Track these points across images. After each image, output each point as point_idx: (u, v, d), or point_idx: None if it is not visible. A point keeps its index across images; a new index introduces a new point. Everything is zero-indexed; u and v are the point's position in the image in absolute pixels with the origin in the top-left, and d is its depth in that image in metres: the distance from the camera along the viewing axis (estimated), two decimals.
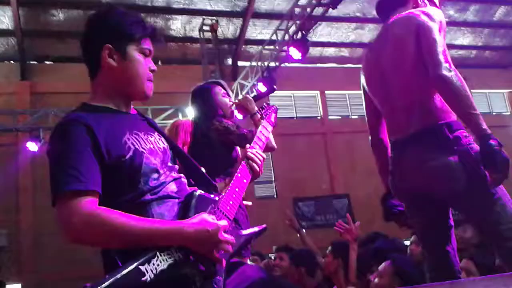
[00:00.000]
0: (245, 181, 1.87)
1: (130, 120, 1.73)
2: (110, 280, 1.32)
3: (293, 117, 13.92)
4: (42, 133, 9.83)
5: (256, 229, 1.84)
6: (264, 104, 2.50)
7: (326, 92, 14.55)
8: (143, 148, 1.63)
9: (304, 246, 4.82)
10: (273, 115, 2.40)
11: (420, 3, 2.52)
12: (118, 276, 1.34)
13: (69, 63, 12.09)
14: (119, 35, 1.71)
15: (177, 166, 1.77)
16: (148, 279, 1.37)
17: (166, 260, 1.44)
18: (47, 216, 10.46)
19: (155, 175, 1.62)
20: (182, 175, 1.76)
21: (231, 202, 1.75)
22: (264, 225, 1.87)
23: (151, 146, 1.68)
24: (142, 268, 1.38)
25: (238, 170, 1.88)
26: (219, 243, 1.54)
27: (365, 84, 2.66)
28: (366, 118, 2.73)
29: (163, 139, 1.79)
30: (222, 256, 1.58)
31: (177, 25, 12.45)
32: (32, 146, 9.82)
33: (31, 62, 12.21)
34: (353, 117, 14.75)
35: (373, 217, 12.10)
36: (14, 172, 11.02)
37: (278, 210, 9.85)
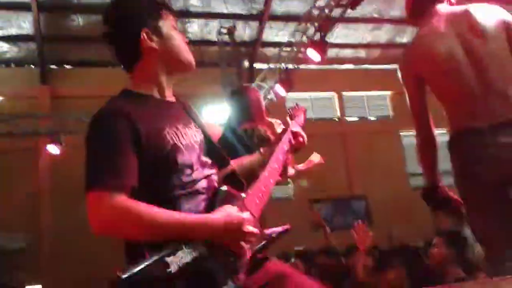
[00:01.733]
0: (271, 181, 1.90)
1: (171, 110, 1.76)
2: (137, 269, 1.36)
3: (310, 119, 13.90)
4: (62, 137, 9.97)
5: (279, 228, 1.86)
6: (295, 104, 2.54)
7: (343, 93, 14.49)
8: (181, 143, 1.66)
9: (327, 244, 4.84)
10: (302, 115, 2.45)
11: None
12: (143, 265, 1.38)
13: (89, 68, 12.28)
14: (151, 17, 1.75)
15: (209, 161, 1.79)
16: (173, 270, 1.41)
17: (191, 253, 1.47)
18: (65, 219, 10.61)
19: (189, 171, 1.65)
20: (213, 171, 1.78)
21: (257, 201, 1.78)
22: (287, 226, 1.88)
23: (189, 141, 1.70)
24: (167, 259, 1.41)
25: (265, 169, 1.91)
26: (244, 235, 1.58)
27: (426, 74, 2.61)
28: (416, 112, 2.70)
29: (199, 130, 1.81)
30: (247, 250, 1.60)
31: (194, 28, 12.53)
32: (53, 150, 9.97)
33: (51, 66, 12.39)
34: (371, 118, 14.67)
35: (390, 218, 12.04)
36: (34, 175, 11.19)
37: (295, 211, 9.83)
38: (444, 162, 2.60)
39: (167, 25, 1.77)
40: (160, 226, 1.48)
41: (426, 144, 2.65)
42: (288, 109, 2.52)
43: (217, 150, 1.90)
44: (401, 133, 14.57)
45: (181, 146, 1.65)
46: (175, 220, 1.51)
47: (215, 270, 1.52)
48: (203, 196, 1.66)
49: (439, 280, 3.58)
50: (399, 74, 2.79)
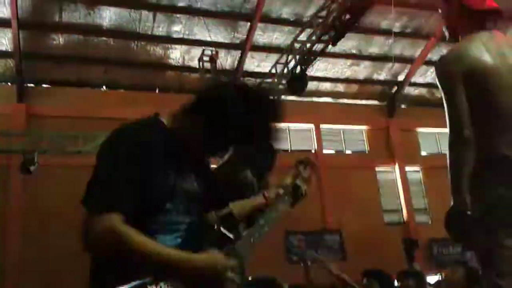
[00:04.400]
0: (266, 228, 1.98)
1: (183, 155, 1.76)
2: None
3: (287, 150, 13.95)
4: (36, 156, 9.78)
5: (267, 276, 1.90)
6: (305, 158, 2.58)
7: (321, 125, 14.64)
8: (178, 185, 1.68)
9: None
10: (309, 170, 2.51)
11: None
12: (129, 287, 1.40)
13: (66, 87, 12.17)
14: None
15: (199, 210, 1.80)
16: None
17: (173, 286, 1.50)
18: (33, 243, 10.35)
19: (174, 213, 1.68)
20: (195, 219, 1.78)
21: (247, 245, 1.83)
22: (273, 277, 1.92)
23: (186, 187, 1.72)
24: (148, 287, 1.44)
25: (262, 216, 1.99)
26: (223, 282, 1.61)
27: (488, 86, 2.36)
28: (461, 109, 2.31)
29: (199, 179, 1.82)
30: None
31: (176, 54, 12.59)
32: (26, 169, 9.76)
33: (29, 84, 12.26)
34: (347, 152, 14.81)
35: (364, 253, 12.04)
36: (4, 194, 10.92)
37: (269, 242, 9.76)
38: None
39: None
40: (147, 254, 1.50)
41: (468, 147, 2.26)
42: (297, 161, 2.57)
43: (217, 192, 1.95)
44: (376, 169, 14.74)
45: (177, 191, 1.68)
46: (161, 251, 1.53)
47: None
48: (180, 239, 1.68)
49: None
50: (441, 71, 2.45)
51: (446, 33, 2.65)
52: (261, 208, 2.13)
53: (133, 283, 1.42)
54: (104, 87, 12.80)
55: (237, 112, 1.66)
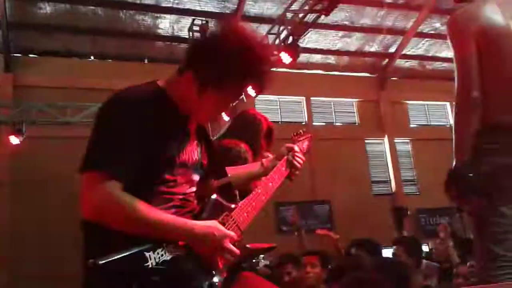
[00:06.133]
0: (263, 198, 1.94)
1: (184, 125, 1.75)
2: (114, 257, 1.38)
3: (278, 122, 13.95)
4: (24, 127, 9.70)
5: (264, 246, 1.92)
6: (301, 131, 2.60)
7: (311, 98, 14.61)
8: (178, 157, 1.67)
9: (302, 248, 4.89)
10: (306, 142, 2.51)
11: None
12: (122, 255, 1.40)
13: (54, 57, 11.98)
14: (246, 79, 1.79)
15: (196, 180, 1.79)
16: (150, 266, 1.43)
17: (171, 252, 1.50)
18: (23, 213, 10.33)
19: (172, 184, 1.66)
20: (194, 191, 1.78)
21: (245, 214, 1.82)
22: (273, 244, 1.92)
23: (186, 158, 1.71)
24: (146, 254, 1.45)
25: (259, 186, 1.98)
26: (222, 250, 1.60)
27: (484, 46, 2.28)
28: (471, 64, 2.23)
29: (199, 149, 1.81)
30: (224, 263, 1.63)
31: (165, 24, 12.41)
32: (14, 140, 9.69)
33: (16, 54, 12.04)
34: (337, 124, 14.84)
35: (352, 223, 12.20)
36: None
37: (260, 213, 9.84)
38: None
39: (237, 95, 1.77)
40: (147, 222, 1.50)
41: (474, 112, 2.19)
42: (293, 134, 2.56)
43: (217, 162, 1.94)
44: (366, 141, 14.82)
45: (177, 160, 1.66)
46: (162, 219, 1.53)
47: (190, 274, 1.54)
48: (174, 209, 1.67)
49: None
50: (454, 30, 2.34)
51: None
52: (259, 176, 2.11)
53: (131, 250, 1.43)
54: (92, 57, 12.62)
55: (228, 53, 1.61)
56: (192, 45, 1.82)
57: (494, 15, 2.32)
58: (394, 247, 4.35)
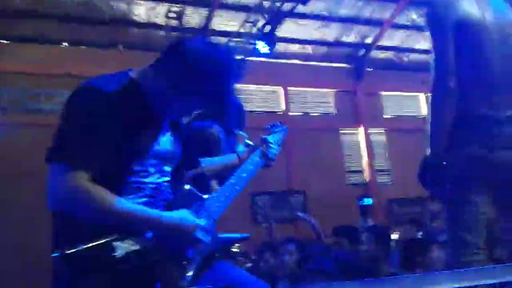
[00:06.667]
0: (238, 188, 1.96)
1: (155, 115, 1.74)
2: (81, 247, 1.39)
3: (254, 111, 13.93)
4: None
5: (237, 235, 1.89)
6: (277, 122, 2.64)
7: (288, 88, 14.62)
8: (149, 147, 1.67)
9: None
10: (282, 134, 2.46)
11: None
12: (89, 245, 1.40)
13: (26, 44, 11.69)
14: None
15: (169, 170, 1.79)
16: (118, 255, 1.43)
17: (140, 243, 1.50)
18: None
19: (143, 174, 1.67)
20: (166, 181, 1.77)
21: (217, 204, 1.82)
22: (247, 234, 1.92)
23: (158, 148, 1.71)
24: (114, 243, 1.45)
25: (233, 176, 1.99)
26: (192, 241, 1.62)
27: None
28: (447, 69, 2.25)
29: (172, 139, 1.80)
30: (194, 253, 1.60)
31: (140, 10, 12.22)
32: None
33: None
34: (313, 114, 14.89)
35: (327, 213, 12.31)
36: None
37: (236, 203, 9.84)
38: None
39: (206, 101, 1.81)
40: (114, 212, 1.49)
41: (449, 101, 2.22)
42: (268, 125, 2.57)
43: (190, 152, 1.94)
44: (342, 131, 14.92)
45: (148, 153, 1.66)
46: (130, 209, 1.53)
47: (160, 264, 1.54)
48: (145, 199, 1.66)
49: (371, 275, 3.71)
50: (432, 18, 2.36)
51: None
52: (233, 167, 2.14)
53: (99, 241, 1.42)
54: (65, 43, 12.37)
55: (201, 68, 1.63)
56: (169, 44, 1.84)
57: (470, 7, 2.35)
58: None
